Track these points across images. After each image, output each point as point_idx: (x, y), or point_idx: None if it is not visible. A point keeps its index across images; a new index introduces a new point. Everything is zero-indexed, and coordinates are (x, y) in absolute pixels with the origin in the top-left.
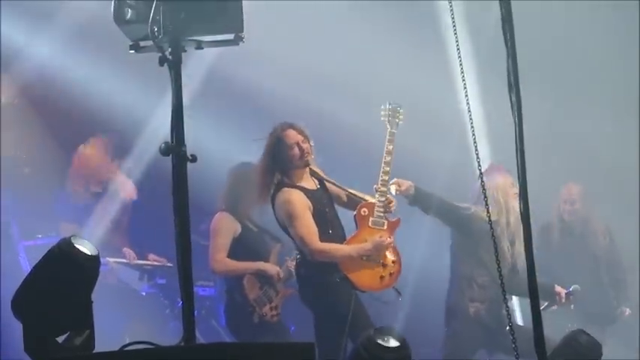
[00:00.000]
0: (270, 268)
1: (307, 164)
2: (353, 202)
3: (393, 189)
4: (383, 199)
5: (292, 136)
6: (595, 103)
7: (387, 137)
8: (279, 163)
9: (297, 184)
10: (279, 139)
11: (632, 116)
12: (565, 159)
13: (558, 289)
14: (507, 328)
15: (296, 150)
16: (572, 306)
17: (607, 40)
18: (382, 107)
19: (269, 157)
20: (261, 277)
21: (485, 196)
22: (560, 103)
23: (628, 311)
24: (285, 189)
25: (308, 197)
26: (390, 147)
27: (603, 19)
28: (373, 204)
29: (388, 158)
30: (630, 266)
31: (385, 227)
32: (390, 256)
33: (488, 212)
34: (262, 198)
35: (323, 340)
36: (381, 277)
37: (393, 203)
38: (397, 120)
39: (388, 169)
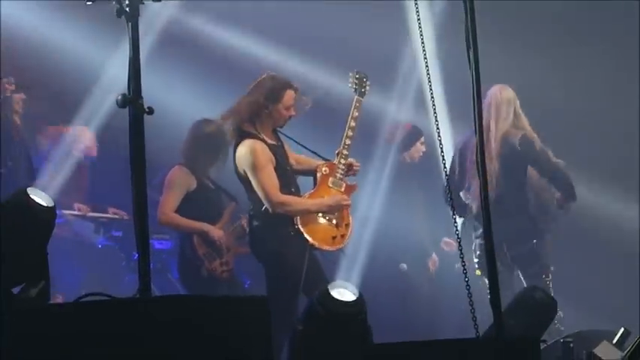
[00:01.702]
0: (214, 230)
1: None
2: (302, 167)
3: None
4: (344, 161)
5: (292, 96)
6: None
7: (354, 104)
8: (262, 114)
9: (261, 137)
10: (276, 91)
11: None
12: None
13: None
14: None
15: (290, 112)
16: None
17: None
18: (350, 74)
19: (257, 101)
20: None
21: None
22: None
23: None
24: (250, 140)
25: (272, 152)
26: (356, 114)
27: None
28: (334, 164)
29: (353, 124)
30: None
31: (343, 189)
32: (345, 218)
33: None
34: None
35: (276, 295)
36: (333, 237)
37: (356, 167)
38: (364, 88)
39: (352, 134)
